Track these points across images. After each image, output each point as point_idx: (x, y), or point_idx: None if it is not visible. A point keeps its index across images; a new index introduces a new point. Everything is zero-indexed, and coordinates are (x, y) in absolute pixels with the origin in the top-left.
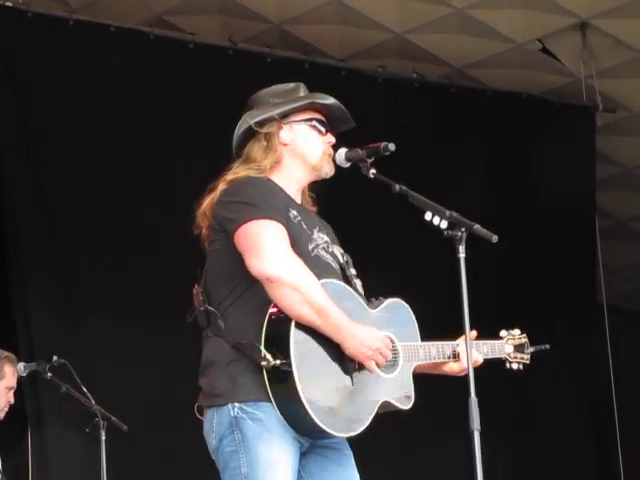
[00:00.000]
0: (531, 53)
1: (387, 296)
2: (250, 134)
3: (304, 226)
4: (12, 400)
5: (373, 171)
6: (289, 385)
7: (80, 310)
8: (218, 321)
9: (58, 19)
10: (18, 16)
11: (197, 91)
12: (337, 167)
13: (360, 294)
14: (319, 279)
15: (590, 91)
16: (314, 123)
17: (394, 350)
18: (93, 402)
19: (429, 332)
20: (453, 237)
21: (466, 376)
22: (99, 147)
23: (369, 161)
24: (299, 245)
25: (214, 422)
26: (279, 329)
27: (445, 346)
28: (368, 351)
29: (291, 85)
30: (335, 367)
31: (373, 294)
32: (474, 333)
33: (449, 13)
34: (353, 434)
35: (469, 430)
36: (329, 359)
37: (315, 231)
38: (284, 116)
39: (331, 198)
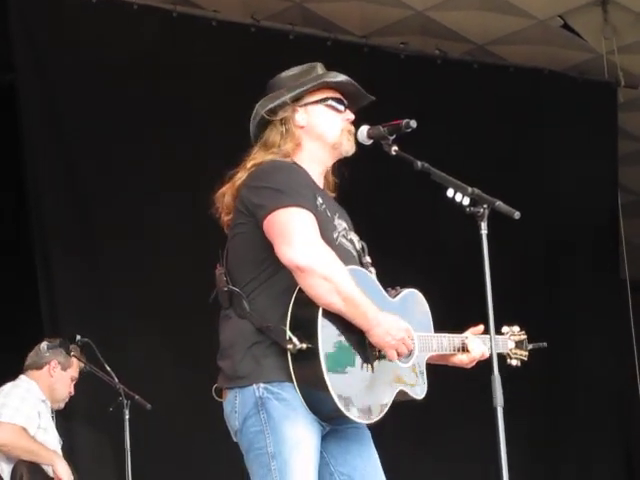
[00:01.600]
0: (553, 29)
1: (403, 286)
2: (266, 122)
3: (328, 213)
4: (73, 391)
5: (395, 148)
6: (314, 369)
7: (105, 290)
8: (243, 302)
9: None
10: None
11: (221, 69)
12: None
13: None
14: (358, 267)
15: (612, 67)
16: (329, 102)
17: (412, 340)
18: (116, 381)
19: (451, 315)
20: (475, 214)
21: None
22: (123, 127)
23: (391, 138)
24: (325, 233)
25: (237, 403)
26: (306, 314)
27: (455, 338)
28: (392, 340)
29: (305, 67)
30: (358, 355)
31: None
32: (480, 328)
33: None
34: (372, 421)
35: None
36: (353, 346)
37: (336, 217)
38: (298, 99)
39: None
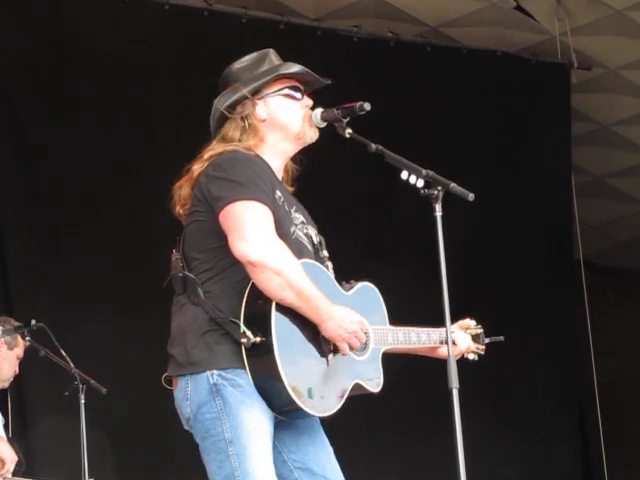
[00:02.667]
0: (506, 11)
1: (357, 280)
2: (225, 117)
3: (286, 207)
4: (17, 370)
5: (349, 131)
6: (268, 361)
7: (60, 274)
8: (197, 289)
9: None
10: None
11: (173, 52)
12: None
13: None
14: (312, 261)
15: (565, 48)
16: (287, 91)
17: (366, 333)
18: (72, 365)
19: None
20: (430, 196)
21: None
22: (75, 116)
23: (345, 121)
24: (282, 227)
25: (188, 390)
26: (260, 309)
27: (432, 332)
28: (345, 333)
29: (257, 56)
30: (312, 348)
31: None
32: (467, 322)
33: None
34: (327, 414)
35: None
36: (307, 340)
37: (293, 211)
38: (256, 92)
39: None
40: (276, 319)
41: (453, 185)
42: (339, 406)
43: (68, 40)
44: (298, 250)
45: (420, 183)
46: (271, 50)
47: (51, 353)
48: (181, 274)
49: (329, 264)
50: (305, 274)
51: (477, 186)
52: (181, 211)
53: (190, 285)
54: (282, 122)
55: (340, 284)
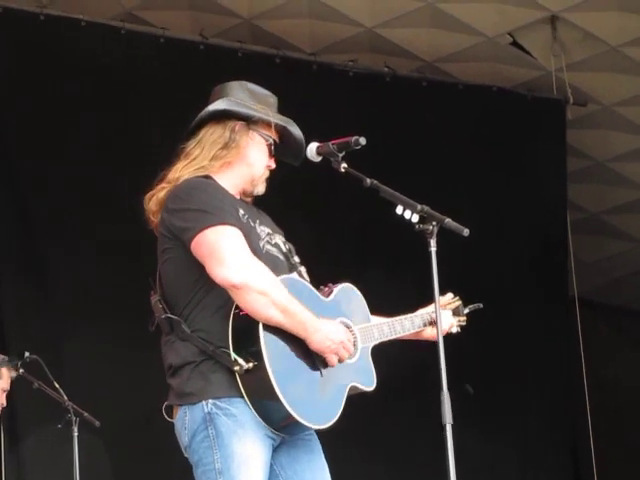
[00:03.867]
0: (502, 47)
1: (335, 282)
2: (213, 119)
3: (251, 223)
4: (5, 403)
5: (344, 165)
6: (264, 382)
7: (53, 306)
8: (182, 327)
9: (29, 14)
10: None
11: (169, 86)
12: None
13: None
14: (287, 274)
15: (561, 84)
16: (271, 142)
17: (354, 335)
18: (65, 398)
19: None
20: (424, 231)
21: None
22: (69, 141)
23: (340, 155)
24: (251, 244)
25: (186, 419)
26: (247, 332)
27: (415, 317)
28: (332, 344)
29: (267, 92)
30: (304, 362)
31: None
32: (448, 297)
33: (420, 7)
34: (326, 426)
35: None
36: (297, 355)
37: (257, 225)
38: (253, 121)
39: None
40: (265, 340)
41: (448, 220)
42: (339, 412)
43: (60, 68)
44: (272, 264)
45: (415, 218)
46: (275, 98)
47: (44, 385)
48: (164, 316)
49: (302, 269)
50: (286, 290)
51: (472, 221)
52: (154, 220)
53: (175, 324)
54: (252, 161)
55: (318, 289)
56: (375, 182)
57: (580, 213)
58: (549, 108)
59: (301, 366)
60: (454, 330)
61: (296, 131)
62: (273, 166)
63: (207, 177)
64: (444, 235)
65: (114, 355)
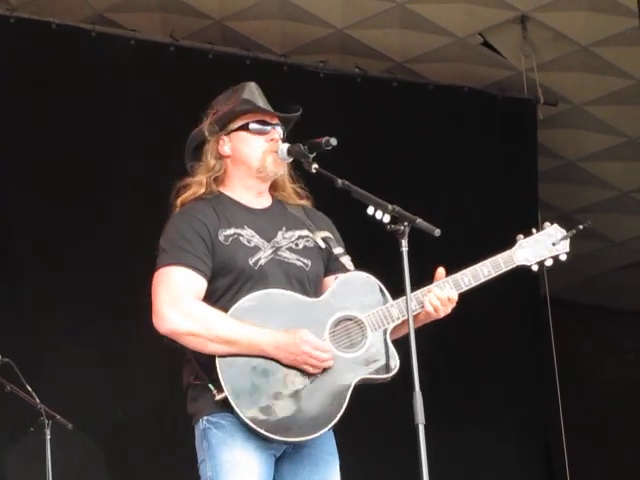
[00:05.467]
0: (472, 47)
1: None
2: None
3: (245, 240)
4: None
5: (315, 166)
6: (235, 412)
7: (24, 307)
8: (187, 351)
9: None
10: None
11: (140, 88)
12: None
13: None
14: (265, 289)
15: (531, 84)
16: (251, 126)
17: (360, 324)
18: (38, 401)
19: None
20: (396, 231)
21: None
22: (40, 144)
23: (311, 156)
24: (234, 264)
25: (196, 437)
26: (211, 364)
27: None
28: (297, 357)
29: (233, 89)
30: (278, 377)
31: None
32: (441, 271)
33: (390, 8)
34: (324, 430)
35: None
36: (267, 373)
37: (280, 233)
38: (223, 127)
39: None
40: (222, 370)
41: (419, 220)
42: (339, 415)
43: (30, 71)
44: (264, 279)
45: (386, 218)
46: (252, 83)
47: (17, 389)
48: None
49: (345, 258)
50: (227, 320)
51: (443, 221)
52: None
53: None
54: (243, 158)
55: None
56: (346, 183)
57: (551, 213)
58: (520, 108)
59: (274, 382)
60: (549, 263)
61: (245, 106)
62: (276, 136)
63: (198, 201)
64: (415, 235)
65: (89, 359)
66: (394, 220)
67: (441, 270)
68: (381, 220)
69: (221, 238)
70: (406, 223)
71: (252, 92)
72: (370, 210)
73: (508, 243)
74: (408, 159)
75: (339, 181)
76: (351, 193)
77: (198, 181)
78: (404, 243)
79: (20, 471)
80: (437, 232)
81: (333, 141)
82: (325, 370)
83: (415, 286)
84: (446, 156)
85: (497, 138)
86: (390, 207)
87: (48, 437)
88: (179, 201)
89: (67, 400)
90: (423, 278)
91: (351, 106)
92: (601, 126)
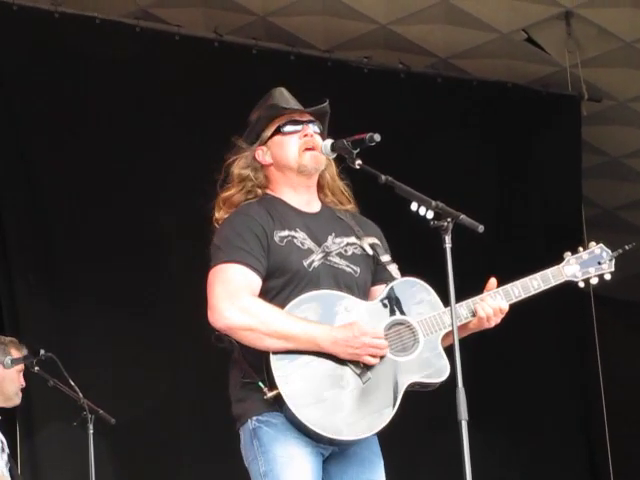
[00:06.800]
0: (516, 43)
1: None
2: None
3: (299, 243)
4: (23, 383)
5: (359, 162)
6: (288, 411)
7: (69, 303)
8: (235, 349)
9: (43, 12)
10: (2, 9)
11: (184, 83)
12: None
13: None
14: (320, 290)
15: (575, 80)
16: (283, 129)
17: (411, 329)
18: (81, 396)
19: None
20: (439, 227)
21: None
22: (86, 140)
23: (355, 152)
24: (288, 265)
25: (242, 439)
26: (265, 361)
27: (459, 307)
28: (354, 350)
29: (263, 99)
30: (332, 376)
31: None
32: (493, 282)
33: (434, 3)
34: (374, 432)
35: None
36: (321, 371)
37: (330, 238)
38: (257, 138)
39: None
40: (276, 367)
41: (463, 217)
42: (390, 417)
43: (75, 66)
44: (317, 281)
45: (430, 215)
46: (278, 89)
47: (60, 383)
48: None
49: (392, 267)
50: (285, 315)
51: (486, 217)
52: None
53: (234, 344)
54: (282, 161)
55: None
56: (390, 179)
57: (595, 209)
58: (564, 104)
59: (327, 381)
60: (594, 281)
61: (269, 111)
62: (309, 131)
63: (251, 203)
64: (458, 232)
65: (128, 354)
66: (437, 216)
67: (493, 281)
68: (424, 216)
69: (276, 239)
70: (449, 219)
71: (278, 97)
72: (414, 206)
73: (552, 240)
74: (452, 155)
75: (383, 177)
76: (395, 189)
77: (257, 185)
78: (447, 239)
79: (62, 465)
80: (481, 228)
81: (377, 137)
82: (377, 372)
83: (457, 287)
84: (489, 152)
85: (541, 134)
86: (434, 203)
87: (91, 432)
88: (222, 198)
89: (109, 397)
90: (463, 279)
91: (395, 102)
92: None
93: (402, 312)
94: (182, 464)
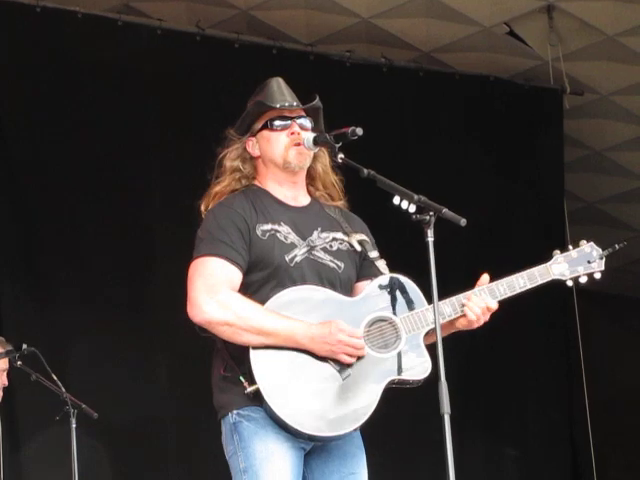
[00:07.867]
0: (498, 36)
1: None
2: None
3: (282, 237)
4: (6, 382)
5: (341, 155)
6: (267, 404)
7: (49, 297)
8: (217, 341)
9: (25, 6)
10: None
11: (166, 77)
12: None
13: (336, 284)
14: (301, 285)
15: (557, 74)
16: (272, 124)
17: (393, 325)
18: (63, 390)
19: None
20: (421, 221)
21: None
22: (68, 135)
23: (337, 146)
24: (270, 259)
25: (223, 432)
26: (244, 355)
27: (443, 305)
28: (331, 347)
29: (258, 88)
30: (312, 372)
31: None
32: (485, 278)
33: None
34: (354, 427)
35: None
36: (301, 367)
37: (316, 233)
38: (248, 128)
39: None
40: (256, 364)
41: (445, 210)
42: (368, 414)
43: (56, 60)
44: (299, 276)
45: (412, 208)
46: (274, 80)
47: (42, 378)
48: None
49: (380, 262)
50: (264, 311)
51: (470, 210)
52: None
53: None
54: (268, 156)
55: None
56: (372, 172)
57: (577, 203)
58: (546, 98)
59: (307, 377)
60: (583, 280)
61: (260, 108)
62: (296, 129)
63: (236, 193)
64: (441, 225)
65: (114, 352)
66: (420, 210)
67: (485, 276)
68: (407, 210)
69: (258, 232)
70: (432, 213)
71: (273, 89)
72: (396, 200)
73: (535, 233)
74: (433, 149)
75: (365, 171)
76: (377, 183)
77: (229, 178)
78: (430, 233)
79: (44, 460)
80: (463, 222)
81: (359, 131)
82: (358, 368)
83: (441, 283)
84: (471, 146)
85: (523, 128)
86: (416, 197)
87: (74, 426)
88: (213, 192)
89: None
90: (447, 271)
91: (377, 96)
92: (627, 116)
93: (385, 308)
94: (166, 458)
